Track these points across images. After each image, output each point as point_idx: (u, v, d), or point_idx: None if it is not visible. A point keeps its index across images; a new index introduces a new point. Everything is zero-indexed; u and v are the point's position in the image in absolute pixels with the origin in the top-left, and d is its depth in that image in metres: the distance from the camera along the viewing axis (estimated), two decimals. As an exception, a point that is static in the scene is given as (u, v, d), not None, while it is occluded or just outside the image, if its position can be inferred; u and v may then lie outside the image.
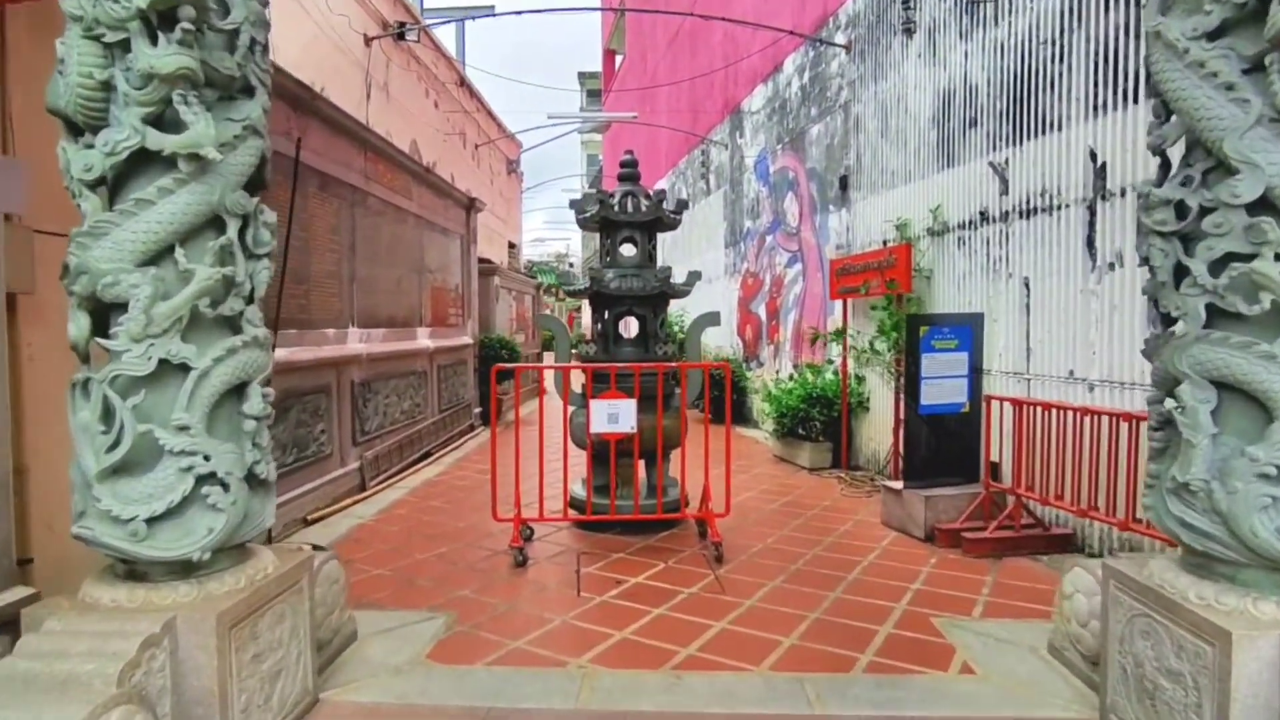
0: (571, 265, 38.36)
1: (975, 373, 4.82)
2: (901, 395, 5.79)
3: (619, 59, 23.57)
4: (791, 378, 7.54)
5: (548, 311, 27.50)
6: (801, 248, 8.25)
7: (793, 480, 6.50)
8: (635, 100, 18.64)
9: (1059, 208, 4.39)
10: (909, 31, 5.95)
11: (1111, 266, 4.03)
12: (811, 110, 7.93)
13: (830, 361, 7.01)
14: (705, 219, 12.29)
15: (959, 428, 4.84)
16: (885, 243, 6.36)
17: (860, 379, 6.76)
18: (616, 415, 4.39)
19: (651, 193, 4.86)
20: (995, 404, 4.56)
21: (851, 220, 7.02)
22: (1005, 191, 4.84)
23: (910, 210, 5.99)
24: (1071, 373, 4.31)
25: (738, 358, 10.52)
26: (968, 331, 4.78)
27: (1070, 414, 4.00)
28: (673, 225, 5.02)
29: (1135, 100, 3.86)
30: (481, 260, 11.15)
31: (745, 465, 7.02)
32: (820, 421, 6.94)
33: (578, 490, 5.04)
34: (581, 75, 34.70)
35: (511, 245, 14.71)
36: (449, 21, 13.06)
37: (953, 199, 5.41)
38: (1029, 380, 4.66)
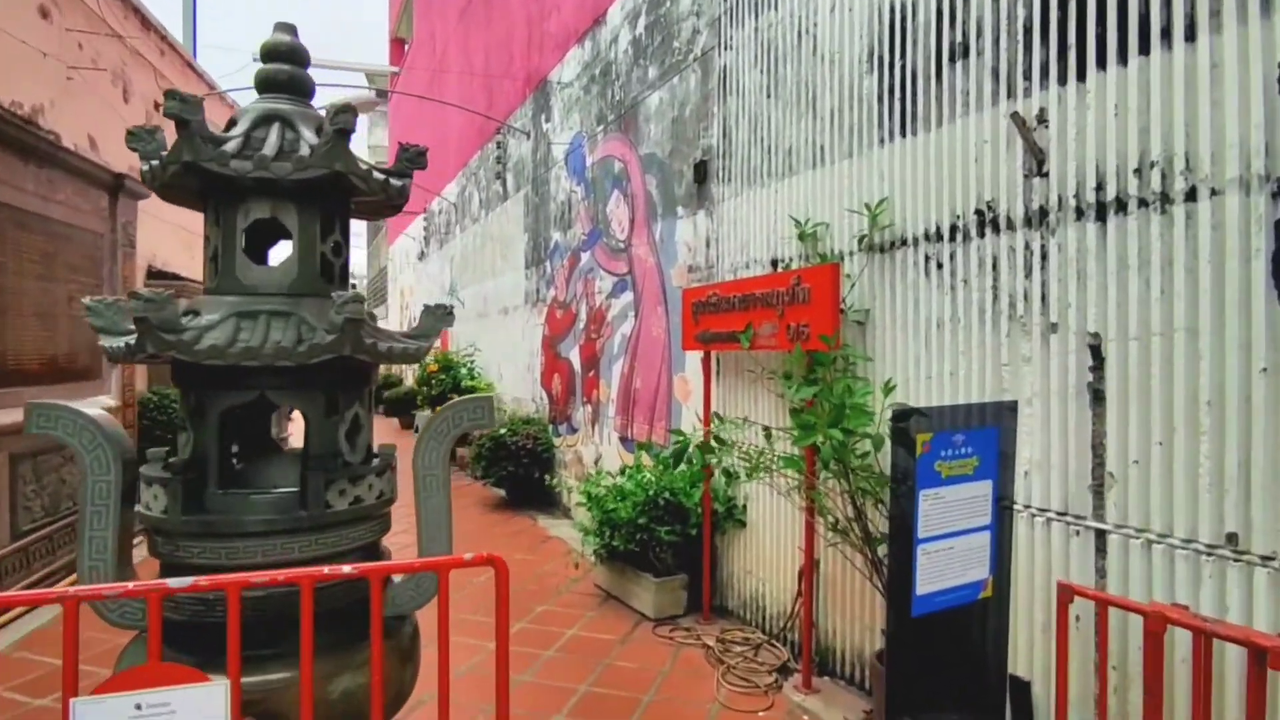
0: (354, 287, 33.66)
1: (1004, 512, 2.46)
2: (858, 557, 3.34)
3: (408, 48, 20.23)
4: (624, 470, 4.92)
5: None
6: (633, 269, 5.73)
7: (633, 656, 3.83)
8: (422, 89, 15.51)
9: (1183, 199, 2.15)
10: (819, -80, 3.63)
11: (1365, 322, 1.80)
12: (649, 71, 5.47)
13: (681, 438, 4.46)
14: (501, 231, 9.51)
15: (969, 623, 2.45)
16: (777, 263, 3.97)
17: (730, 475, 4.27)
18: (165, 734, 1.47)
19: (333, 113, 2.00)
20: (1081, 606, 2.21)
21: (715, 228, 4.58)
22: (1040, 170, 2.57)
23: (824, 209, 3.63)
24: (1232, 539, 2.04)
25: (542, 416, 7.79)
26: (992, 438, 2.40)
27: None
28: (386, 197, 2.20)
29: None
30: (163, 275, 7.53)
31: (550, 614, 4.28)
32: (670, 543, 4.38)
33: None
34: (370, 75, 30.54)
35: (240, 256, 10.93)
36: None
37: (914, 188, 3.10)
38: (1105, 535, 2.36)
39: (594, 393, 6.48)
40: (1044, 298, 2.56)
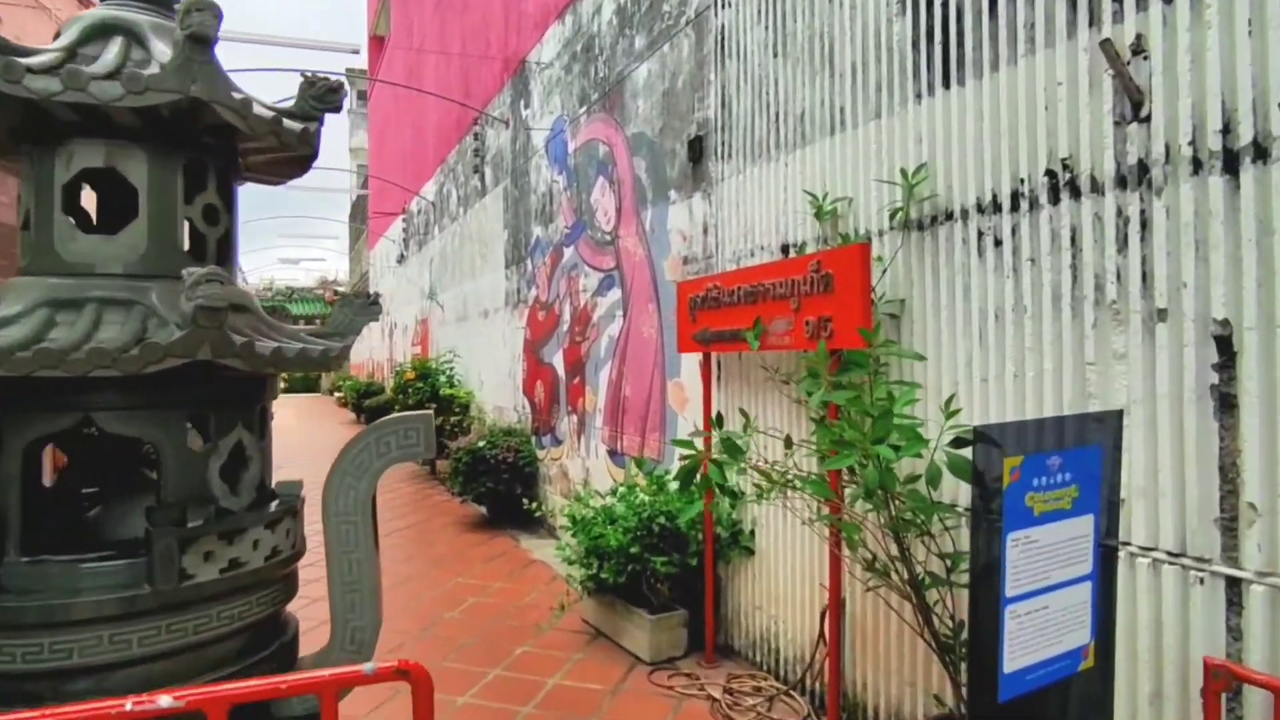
0: (338, 294, 32.77)
1: (1108, 556, 1.88)
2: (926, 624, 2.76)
3: (387, 44, 19.62)
4: (614, 490, 4.33)
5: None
6: (620, 263, 5.16)
7: (627, 710, 3.24)
8: (401, 86, 14.94)
9: (1366, 133, 1.60)
10: None
11: None
12: (636, 41, 4.90)
13: (692, 452, 3.88)
14: (480, 228, 8.92)
15: (1061, 699, 1.88)
16: (788, 249, 3.40)
17: (736, 496, 3.66)
18: None
19: (183, 12, 1.40)
20: (1186, 669, 1.64)
21: (714, 212, 4.02)
22: (1138, 114, 2.01)
23: (845, 182, 3.07)
24: None
25: (524, 427, 7.19)
26: (1094, 460, 1.83)
27: None
28: (281, 144, 1.62)
29: None
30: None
31: (529, 658, 3.66)
32: (666, 574, 3.80)
33: None
34: (350, 72, 29.86)
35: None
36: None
37: (962, 150, 2.54)
38: (1242, 585, 1.80)
39: (579, 401, 5.89)
40: (1146, 277, 1.99)
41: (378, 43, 21.15)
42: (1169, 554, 1.95)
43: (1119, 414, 1.88)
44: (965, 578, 2.23)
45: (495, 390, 8.30)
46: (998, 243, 2.41)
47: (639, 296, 4.87)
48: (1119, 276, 2.06)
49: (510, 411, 7.71)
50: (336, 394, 24.61)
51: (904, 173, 2.66)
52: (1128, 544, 2.02)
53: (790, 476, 2.69)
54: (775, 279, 3.06)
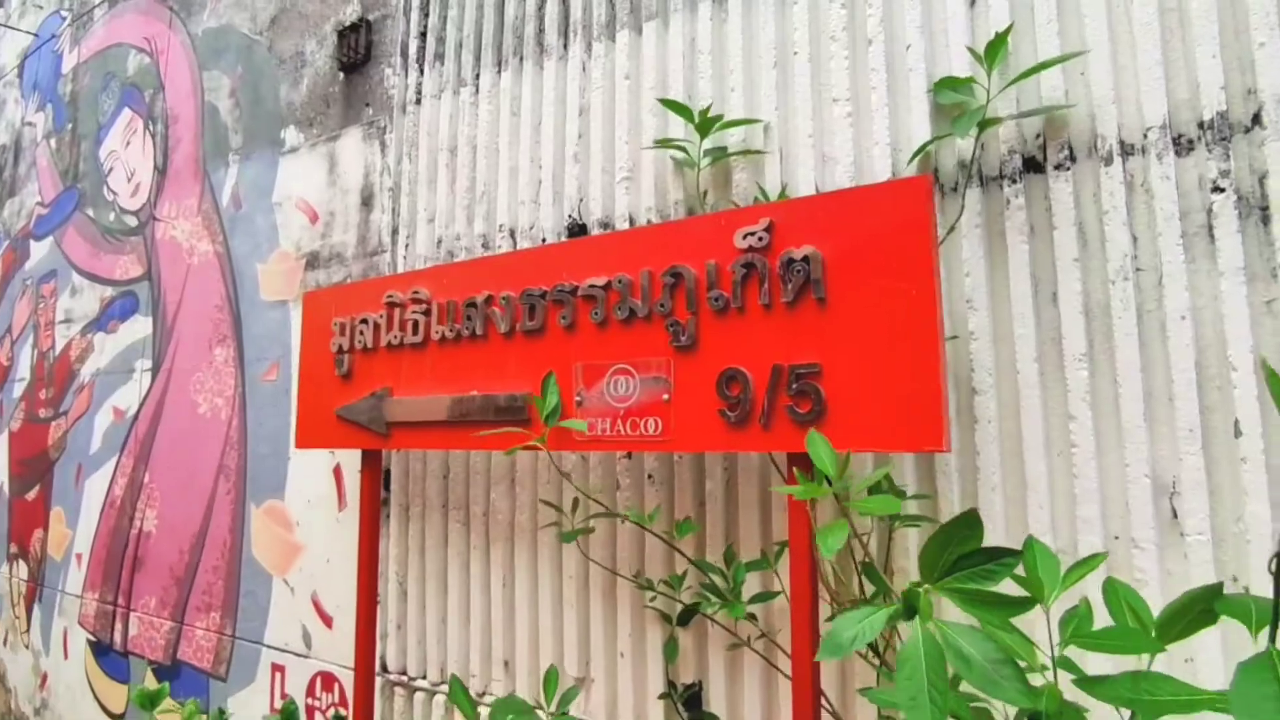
0: None
1: None
2: None
3: None
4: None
5: None
6: (155, 268, 2.67)
7: None
8: None
9: None
10: None
11: None
12: None
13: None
14: None
15: None
16: (585, 229, 1.59)
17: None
18: None
19: None
20: None
21: (394, 164, 1.99)
22: None
23: (753, 95, 1.42)
24: None
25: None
26: None
27: None
28: None
29: None
30: None
31: None
32: None
33: None
34: None
35: None
36: None
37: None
38: None
39: (35, 535, 2.99)
40: None
41: None
42: None
43: None
44: None
45: None
46: (1263, 211, 0.99)
47: (194, 332, 2.46)
48: None
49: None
50: None
51: (1000, 37, 1.11)
52: None
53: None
54: (621, 273, 1.23)
